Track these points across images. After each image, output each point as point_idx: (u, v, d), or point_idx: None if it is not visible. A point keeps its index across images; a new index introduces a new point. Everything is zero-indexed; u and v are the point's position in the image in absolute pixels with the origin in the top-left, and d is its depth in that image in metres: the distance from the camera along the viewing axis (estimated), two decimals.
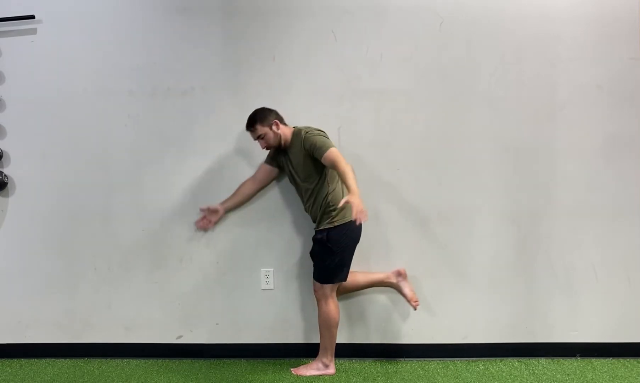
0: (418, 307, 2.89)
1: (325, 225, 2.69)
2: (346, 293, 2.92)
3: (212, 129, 2.98)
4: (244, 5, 2.95)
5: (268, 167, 2.87)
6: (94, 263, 3.05)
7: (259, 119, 2.71)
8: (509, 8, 2.91)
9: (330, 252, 2.69)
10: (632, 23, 2.90)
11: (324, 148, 2.57)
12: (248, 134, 2.87)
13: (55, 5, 2.97)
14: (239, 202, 2.92)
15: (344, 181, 2.50)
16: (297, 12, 2.94)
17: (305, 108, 2.93)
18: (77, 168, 3.02)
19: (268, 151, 2.84)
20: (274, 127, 2.71)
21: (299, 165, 2.70)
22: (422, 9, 2.91)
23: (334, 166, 2.54)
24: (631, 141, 2.93)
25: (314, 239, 2.77)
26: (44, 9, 2.97)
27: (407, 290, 2.88)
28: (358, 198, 2.38)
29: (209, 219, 2.93)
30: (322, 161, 2.59)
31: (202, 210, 2.94)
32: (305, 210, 2.82)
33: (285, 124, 2.77)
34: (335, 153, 2.55)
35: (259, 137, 2.72)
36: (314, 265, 2.78)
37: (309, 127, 2.71)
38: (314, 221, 2.78)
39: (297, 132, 2.72)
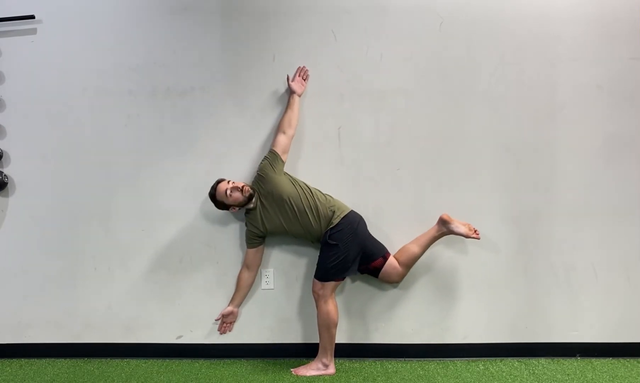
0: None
1: (330, 225, 2.73)
2: (408, 268, 2.85)
3: (212, 129, 2.98)
4: (244, 5, 2.95)
5: (253, 250, 2.89)
6: (94, 263, 3.04)
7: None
8: (509, 8, 2.91)
9: (336, 249, 2.70)
10: (632, 23, 2.90)
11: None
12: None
13: (55, 5, 2.98)
14: (245, 294, 2.97)
15: (289, 109, 2.83)
16: (297, 12, 2.94)
17: (306, 108, 2.93)
18: (77, 168, 3.02)
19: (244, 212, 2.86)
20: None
21: (278, 193, 2.74)
22: (422, 9, 2.92)
23: (281, 123, 2.82)
24: (631, 141, 2.93)
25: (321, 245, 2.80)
26: (44, 9, 2.97)
27: (461, 228, 2.78)
28: None
29: (227, 322, 3.00)
30: (275, 144, 2.79)
31: (217, 320, 3.00)
32: (313, 239, 2.82)
33: None
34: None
35: (230, 186, 2.74)
36: (317, 264, 2.79)
37: None
38: (320, 239, 2.79)
39: (253, 183, 2.84)
